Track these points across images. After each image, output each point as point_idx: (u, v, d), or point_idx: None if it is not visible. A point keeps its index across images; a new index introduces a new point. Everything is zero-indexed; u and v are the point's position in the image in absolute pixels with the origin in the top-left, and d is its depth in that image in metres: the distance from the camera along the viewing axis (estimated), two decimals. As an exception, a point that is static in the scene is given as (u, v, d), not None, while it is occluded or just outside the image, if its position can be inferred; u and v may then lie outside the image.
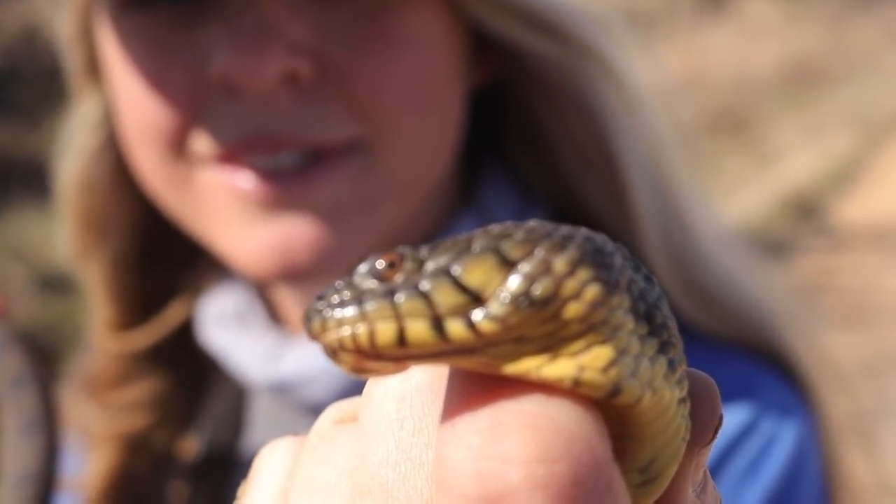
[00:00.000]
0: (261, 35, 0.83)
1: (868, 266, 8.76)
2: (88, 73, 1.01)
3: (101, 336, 1.11)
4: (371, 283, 0.35)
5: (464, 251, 0.34)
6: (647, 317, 0.35)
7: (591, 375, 0.32)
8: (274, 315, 1.03)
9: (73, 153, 1.06)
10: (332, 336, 0.34)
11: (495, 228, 0.34)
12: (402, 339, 0.33)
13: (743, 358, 0.94)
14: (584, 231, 0.35)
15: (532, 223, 0.34)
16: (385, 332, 0.33)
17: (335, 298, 0.35)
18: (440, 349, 0.33)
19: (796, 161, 12.23)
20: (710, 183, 10.95)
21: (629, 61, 0.98)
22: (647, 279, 0.36)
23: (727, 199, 10.04)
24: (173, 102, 0.87)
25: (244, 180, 0.87)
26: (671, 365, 0.35)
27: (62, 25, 1.01)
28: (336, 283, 0.36)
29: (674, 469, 0.36)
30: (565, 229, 0.34)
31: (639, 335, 0.34)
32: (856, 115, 16.58)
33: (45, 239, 7.85)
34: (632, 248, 0.92)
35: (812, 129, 14.52)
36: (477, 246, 0.34)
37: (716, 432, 0.37)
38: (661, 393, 0.34)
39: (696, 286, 0.95)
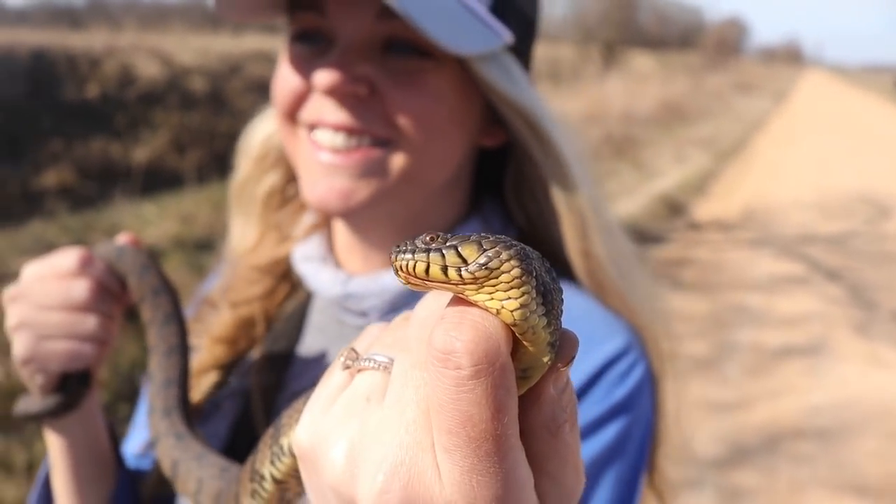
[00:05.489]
0: (341, 67, 0.97)
1: (716, 246, 8.93)
2: None
3: (240, 253, 1.22)
4: (421, 244, 0.45)
5: (465, 239, 0.44)
6: (542, 294, 0.44)
7: (504, 312, 0.43)
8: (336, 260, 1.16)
9: (262, 121, 1.21)
10: (397, 263, 0.45)
11: (484, 234, 0.45)
12: (427, 272, 0.44)
13: (622, 323, 1.03)
14: (522, 245, 0.45)
15: (501, 236, 0.45)
16: (419, 266, 0.44)
17: (402, 247, 0.46)
18: (444, 281, 0.44)
19: (668, 175, 12.38)
20: (611, 188, 11.01)
21: (571, 139, 1.07)
22: (552, 278, 0.46)
23: (622, 201, 10.12)
24: (297, 90, 1.02)
25: (321, 156, 1.01)
26: (549, 322, 0.44)
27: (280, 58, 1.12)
28: (406, 241, 0.46)
29: (540, 374, 0.45)
30: (514, 241, 0.45)
31: (536, 302, 0.43)
32: (709, 142, 16.74)
33: (134, 223, 7.82)
34: (561, 256, 1.04)
35: (679, 152, 14.63)
36: (472, 238, 0.44)
37: (570, 362, 0.45)
38: (538, 334, 0.43)
39: (598, 283, 1.05)
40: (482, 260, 0.43)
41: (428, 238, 0.45)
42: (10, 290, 0.99)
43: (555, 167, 1.03)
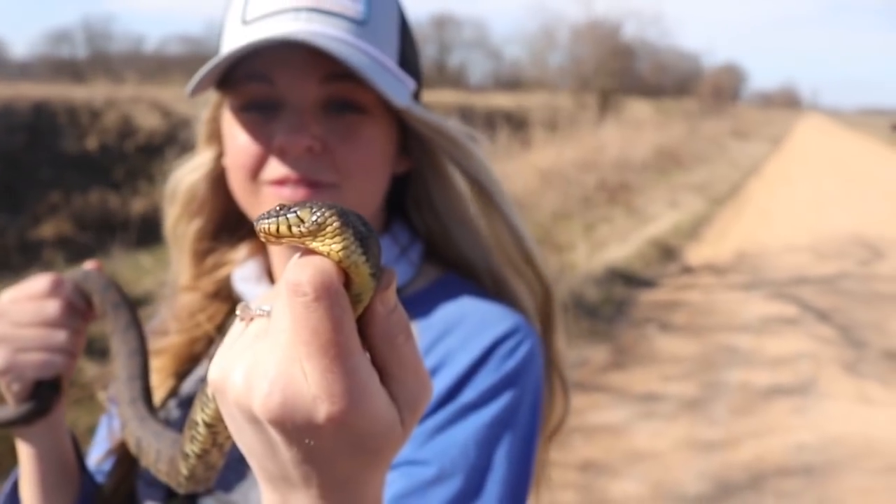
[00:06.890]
0: (298, 129, 1.11)
1: (707, 289, 9.04)
2: (209, 138, 1.27)
3: (181, 287, 1.33)
4: (273, 212, 0.57)
5: (304, 205, 0.57)
6: (360, 240, 0.56)
7: (333, 254, 0.56)
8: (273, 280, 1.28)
9: (188, 171, 1.30)
10: (258, 227, 0.58)
11: (318, 202, 0.58)
12: (278, 231, 0.57)
13: (511, 312, 1.17)
14: (342, 206, 0.58)
15: (329, 202, 0.57)
16: (272, 227, 0.57)
17: (262, 216, 0.58)
18: (290, 236, 0.57)
19: (662, 219, 12.51)
20: (604, 233, 11.11)
21: (482, 150, 1.24)
22: (369, 230, 0.58)
23: (615, 247, 10.22)
24: (256, 154, 1.14)
25: (282, 193, 1.13)
26: (368, 259, 0.57)
27: (202, 115, 1.27)
28: (265, 212, 0.58)
29: (368, 297, 0.58)
30: (335, 204, 0.57)
31: (355, 245, 0.56)
32: (703, 187, 16.88)
33: (131, 273, 7.92)
34: (483, 255, 1.22)
35: (673, 197, 14.76)
36: (307, 204, 0.57)
37: (388, 287, 0.59)
38: (360, 268, 0.56)
39: (506, 261, 1.22)
40: (313, 218, 0.57)
41: (278, 207, 0.58)
42: None
43: (479, 169, 1.21)
